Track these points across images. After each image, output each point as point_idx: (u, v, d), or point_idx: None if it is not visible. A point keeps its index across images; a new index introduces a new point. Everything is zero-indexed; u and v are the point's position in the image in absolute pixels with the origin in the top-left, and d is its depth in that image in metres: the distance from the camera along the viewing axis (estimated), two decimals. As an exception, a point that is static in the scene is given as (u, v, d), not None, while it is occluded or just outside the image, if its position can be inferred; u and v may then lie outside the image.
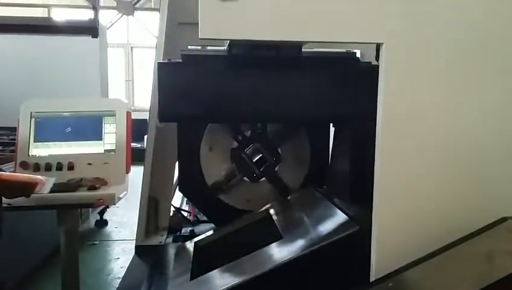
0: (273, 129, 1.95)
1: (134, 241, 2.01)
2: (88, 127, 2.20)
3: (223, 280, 1.35)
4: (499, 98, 1.15)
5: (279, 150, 1.96)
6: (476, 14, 1.12)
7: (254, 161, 1.90)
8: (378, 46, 1.14)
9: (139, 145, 6.08)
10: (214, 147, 1.95)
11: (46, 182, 1.78)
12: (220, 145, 1.94)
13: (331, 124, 1.89)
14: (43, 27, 4.25)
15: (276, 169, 1.96)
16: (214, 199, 1.98)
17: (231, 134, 1.92)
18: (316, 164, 1.97)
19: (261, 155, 1.90)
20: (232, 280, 1.30)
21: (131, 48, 11.43)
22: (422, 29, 1.10)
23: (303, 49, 1.60)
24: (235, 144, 1.93)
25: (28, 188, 1.73)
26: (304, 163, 1.99)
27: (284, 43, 1.48)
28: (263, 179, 1.96)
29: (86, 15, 7.59)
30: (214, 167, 1.96)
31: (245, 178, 1.96)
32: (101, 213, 5.07)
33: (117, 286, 1.87)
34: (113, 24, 11.07)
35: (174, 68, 1.51)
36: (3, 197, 1.71)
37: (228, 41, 1.48)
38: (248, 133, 1.92)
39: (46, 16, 10.00)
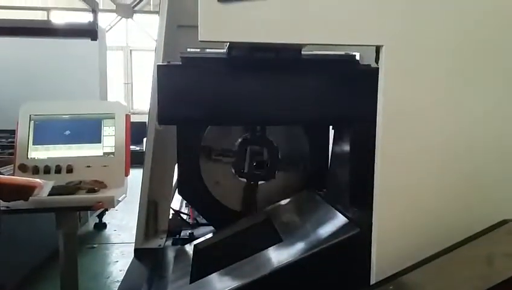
0: (284, 153, 1.95)
1: (133, 244, 2.01)
2: (87, 129, 2.20)
3: (222, 283, 1.35)
4: (499, 99, 1.15)
5: (276, 173, 1.95)
6: (476, 15, 1.12)
7: (252, 158, 1.89)
8: (377, 49, 1.14)
9: (138, 148, 6.08)
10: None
11: (44, 185, 1.77)
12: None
13: (331, 128, 1.89)
14: (42, 30, 4.22)
15: (258, 183, 1.95)
16: (213, 201, 1.97)
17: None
18: None
19: (261, 161, 1.90)
20: (231, 283, 1.30)
21: (131, 50, 11.46)
22: (422, 31, 1.10)
23: (302, 52, 1.60)
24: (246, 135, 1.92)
25: (26, 191, 1.72)
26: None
27: (283, 46, 1.48)
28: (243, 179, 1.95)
29: (85, 18, 7.60)
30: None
31: (232, 168, 1.95)
32: (100, 216, 5.06)
33: (116, 289, 1.86)
34: (112, 27, 11.10)
35: (174, 71, 1.50)
36: (1, 201, 1.70)
37: (228, 43, 1.48)
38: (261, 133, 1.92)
39: (46, 18, 10.01)
